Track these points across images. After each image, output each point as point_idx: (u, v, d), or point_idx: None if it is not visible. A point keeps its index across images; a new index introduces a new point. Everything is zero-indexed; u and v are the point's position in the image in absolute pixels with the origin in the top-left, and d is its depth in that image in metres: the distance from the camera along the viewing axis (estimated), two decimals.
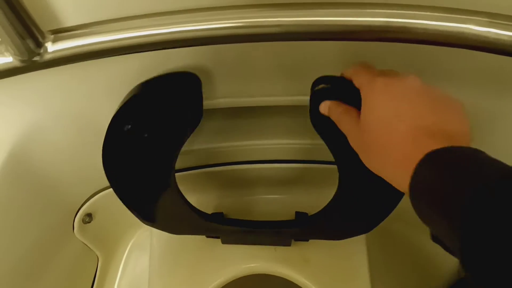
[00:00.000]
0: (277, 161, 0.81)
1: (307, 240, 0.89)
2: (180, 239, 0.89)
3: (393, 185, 0.43)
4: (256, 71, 0.59)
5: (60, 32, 0.46)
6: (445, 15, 0.44)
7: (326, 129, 0.56)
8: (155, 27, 0.46)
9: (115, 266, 1.05)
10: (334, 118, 0.52)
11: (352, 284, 0.86)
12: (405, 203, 0.45)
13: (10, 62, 0.45)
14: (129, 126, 0.57)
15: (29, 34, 0.43)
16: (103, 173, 0.62)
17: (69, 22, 0.48)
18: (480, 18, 0.43)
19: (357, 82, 0.49)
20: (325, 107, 0.53)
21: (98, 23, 0.46)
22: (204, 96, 0.61)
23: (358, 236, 0.81)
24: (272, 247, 0.89)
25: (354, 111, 0.49)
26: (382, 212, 0.67)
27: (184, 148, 0.62)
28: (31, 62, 0.45)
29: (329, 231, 0.78)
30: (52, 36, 0.46)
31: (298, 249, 0.89)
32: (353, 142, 0.49)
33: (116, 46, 0.46)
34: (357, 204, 0.68)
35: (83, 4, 0.47)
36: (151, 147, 0.60)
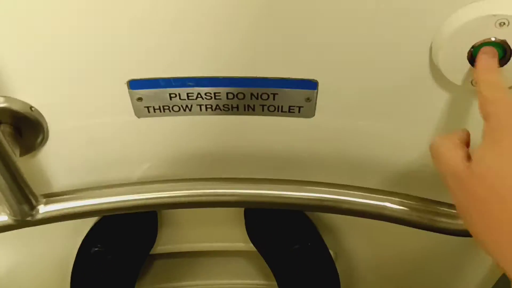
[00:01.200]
0: None
1: None
2: None
3: (501, 265, 0.32)
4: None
5: (51, 197, 0.55)
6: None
7: (263, 243, 0.65)
8: (124, 194, 0.55)
9: None
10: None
11: None
12: None
13: (6, 221, 0.54)
14: (96, 248, 0.65)
15: (25, 199, 0.52)
16: None
17: (59, 186, 0.57)
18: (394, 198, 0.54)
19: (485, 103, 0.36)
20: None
21: (79, 190, 0.56)
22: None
23: None
24: None
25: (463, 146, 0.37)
26: None
27: None
28: (24, 221, 0.54)
29: None
30: (44, 199, 0.55)
31: None
32: (455, 188, 0.36)
33: (95, 209, 0.55)
34: None
35: (70, 173, 0.57)
36: (114, 269, 0.68)
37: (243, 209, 0.69)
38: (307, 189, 0.55)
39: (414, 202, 0.53)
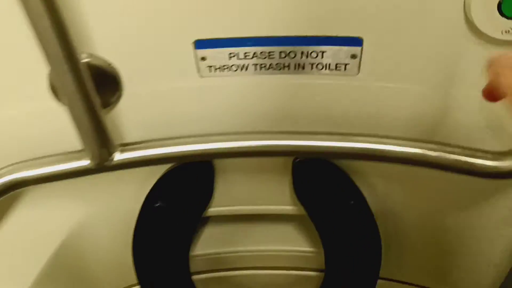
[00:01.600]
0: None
1: None
2: None
3: None
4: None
5: (125, 145, 0.63)
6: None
7: (308, 200, 0.70)
8: (188, 144, 0.63)
9: None
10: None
11: None
12: None
13: (87, 165, 0.62)
14: (158, 204, 0.72)
15: (105, 145, 0.60)
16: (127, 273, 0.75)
17: (129, 140, 0.65)
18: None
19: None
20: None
21: (149, 140, 0.63)
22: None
23: None
24: None
25: None
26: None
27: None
28: (103, 166, 0.62)
29: None
30: (120, 147, 0.62)
31: None
32: None
33: (164, 157, 0.63)
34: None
35: (139, 128, 0.64)
36: (174, 222, 0.75)
37: (290, 171, 0.75)
38: (353, 139, 0.61)
39: (451, 148, 0.59)
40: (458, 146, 0.59)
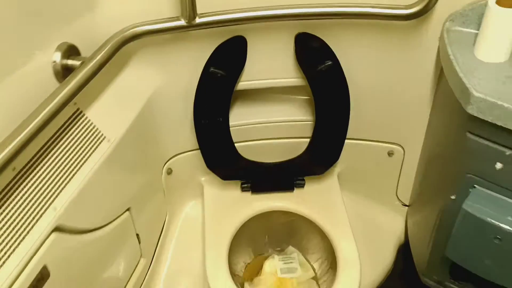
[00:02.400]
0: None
1: (303, 187, 1.44)
2: (223, 194, 1.44)
3: None
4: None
5: (203, 13, 1.10)
6: None
7: (309, 66, 1.19)
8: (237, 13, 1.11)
9: (178, 214, 1.56)
10: None
11: (332, 207, 1.39)
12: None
13: (182, 24, 1.09)
14: (212, 69, 1.19)
15: (192, 12, 1.08)
16: (185, 140, 1.23)
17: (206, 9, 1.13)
18: None
19: None
20: None
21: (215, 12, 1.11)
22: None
23: (332, 181, 1.39)
24: (281, 195, 1.44)
25: None
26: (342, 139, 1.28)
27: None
28: (190, 24, 1.09)
29: (313, 166, 1.35)
30: (200, 14, 1.10)
31: (297, 193, 1.44)
32: None
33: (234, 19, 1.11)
34: (329, 130, 1.28)
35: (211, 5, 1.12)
36: (223, 83, 1.21)
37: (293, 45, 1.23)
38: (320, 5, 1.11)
39: (384, 5, 1.09)
40: (387, 5, 1.09)
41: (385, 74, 1.27)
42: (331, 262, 1.35)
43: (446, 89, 1.08)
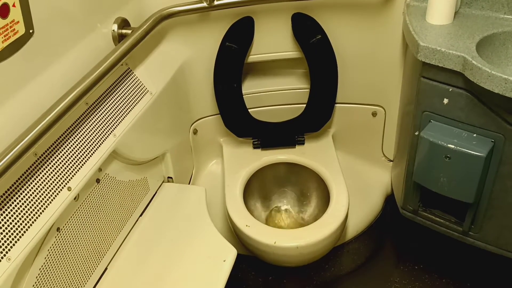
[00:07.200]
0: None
1: (303, 144, 1.77)
2: (238, 151, 1.78)
3: None
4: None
5: None
6: None
7: (303, 40, 1.54)
8: None
9: (203, 169, 1.91)
10: None
11: (327, 159, 1.72)
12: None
13: (204, 5, 1.45)
14: (227, 43, 1.54)
15: None
16: (208, 106, 1.60)
17: None
18: None
19: None
20: None
21: None
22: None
23: (327, 139, 1.73)
24: (285, 150, 1.77)
25: None
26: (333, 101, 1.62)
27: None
28: (210, 5, 1.45)
29: (311, 123, 1.69)
30: None
31: (298, 148, 1.77)
32: None
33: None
34: (322, 95, 1.62)
35: None
36: (236, 55, 1.56)
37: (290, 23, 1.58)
38: None
39: None
40: None
41: (364, 44, 1.61)
42: (322, 206, 1.67)
43: (410, 52, 1.42)
